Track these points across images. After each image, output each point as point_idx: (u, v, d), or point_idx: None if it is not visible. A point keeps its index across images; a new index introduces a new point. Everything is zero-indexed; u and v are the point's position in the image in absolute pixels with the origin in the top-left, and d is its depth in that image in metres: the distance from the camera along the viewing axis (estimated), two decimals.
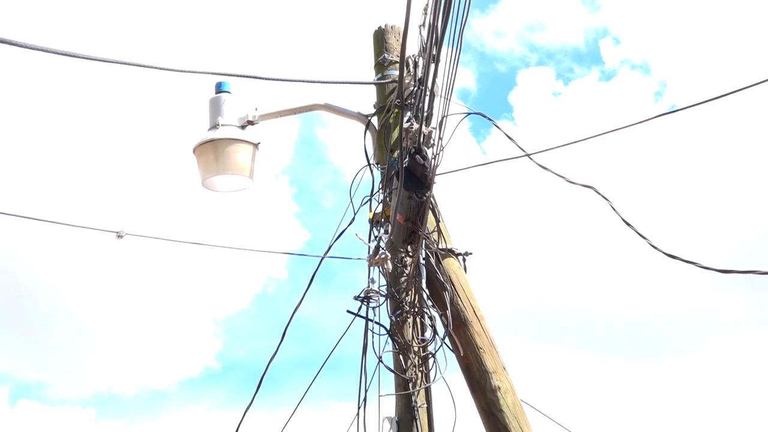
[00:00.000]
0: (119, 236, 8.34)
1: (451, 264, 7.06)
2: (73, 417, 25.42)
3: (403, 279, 7.03)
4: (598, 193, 6.83)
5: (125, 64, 6.28)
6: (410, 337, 7.02)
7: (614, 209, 6.70)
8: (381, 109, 7.36)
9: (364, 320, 7.10)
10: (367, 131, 7.37)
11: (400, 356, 6.99)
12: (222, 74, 7.26)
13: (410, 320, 7.04)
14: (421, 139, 6.51)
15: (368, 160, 7.29)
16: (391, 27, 7.49)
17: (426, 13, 6.19)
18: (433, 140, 6.59)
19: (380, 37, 7.51)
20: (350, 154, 7.44)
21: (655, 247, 6.46)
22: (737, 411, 24.46)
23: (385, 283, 7.11)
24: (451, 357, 6.94)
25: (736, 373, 25.12)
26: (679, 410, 24.15)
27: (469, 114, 7.18)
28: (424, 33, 6.30)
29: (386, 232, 7.09)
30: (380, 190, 7.25)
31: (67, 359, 26.46)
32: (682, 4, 26.26)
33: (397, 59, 7.17)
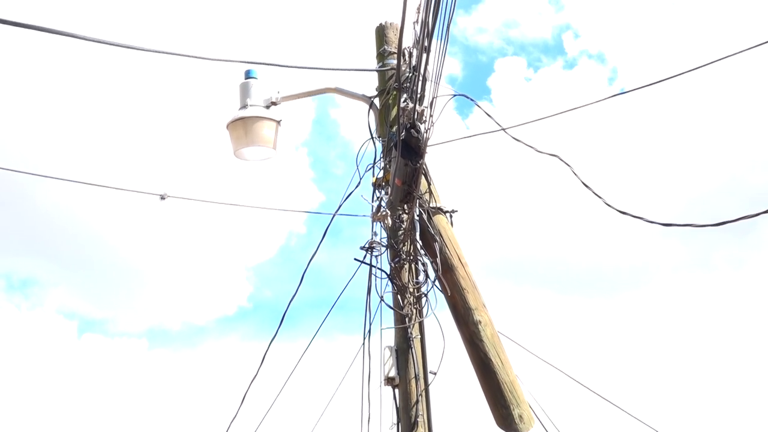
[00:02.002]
0: (162, 198, 8.34)
1: (440, 220, 7.12)
2: (129, 347, 25.73)
3: (400, 232, 7.09)
4: (562, 161, 6.84)
5: (176, 54, 6.42)
6: (407, 280, 7.07)
7: (575, 173, 6.71)
8: (382, 91, 7.39)
9: (368, 266, 7.16)
10: (371, 110, 7.40)
11: (398, 296, 7.04)
12: (250, 62, 7.35)
13: (407, 266, 7.10)
14: (415, 116, 6.56)
15: (371, 134, 7.32)
16: (390, 23, 7.50)
17: (419, 12, 6.21)
18: (425, 117, 6.64)
19: (381, 32, 7.53)
20: (357, 130, 7.47)
21: (609, 205, 6.48)
22: (672, 338, 25.29)
23: (385, 235, 7.17)
24: (440, 297, 7.03)
25: (671, 308, 25.90)
26: (625, 337, 24.98)
27: (455, 95, 7.19)
28: (418, 28, 6.33)
29: (386, 193, 7.17)
30: (381, 159, 7.29)
31: (124, 300, 26.68)
32: (631, 2, 26.24)
33: (395, 50, 7.20)
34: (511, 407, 6.75)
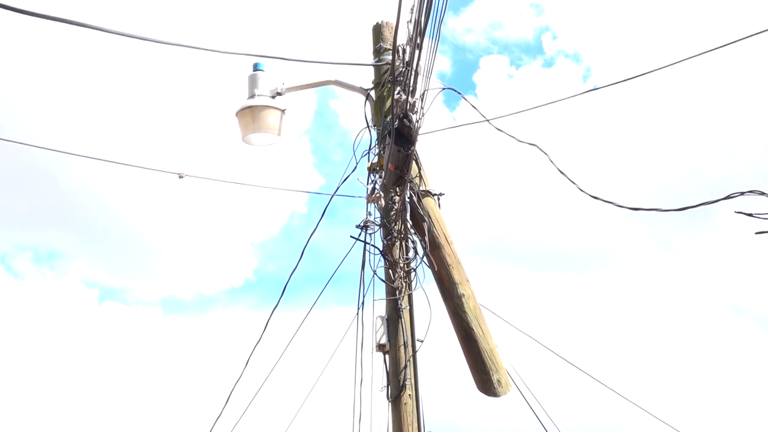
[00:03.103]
0: (180, 177, 8.30)
1: (428, 202, 7.13)
2: (144, 314, 25.88)
3: (392, 213, 7.10)
4: (540, 150, 6.89)
5: (193, 47, 6.51)
6: (397, 257, 7.07)
7: (552, 162, 6.76)
8: (377, 84, 7.37)
9: (363, 243, 7.15)
10: (367, 101, 7.39)
11: (390, 271, 7.05)
12: (258, 56, 7.32)
13: (398, 244, 7.10)
14: (408, 107, 6.58)
15: (367, 123, 7.32)
16: (386, 22, 7.47)
17: (413, 12, 6.19)
18: (417, 108, 6.64)
19: (377, 31, 7.51)
20: (354, 119, 7.45)
21: (582, 191, 6.54)
22: (637, 311, 25.77)
23: (379, 215, 7.17)
24: (428, 272, 7.05)
25: (637, 284, 26.49)
26: (594, 311, 25.44)
27: (444, 89, 7.18)
28: (411, 27, 6.31)
29: (380, 177, 7.15)
30: (376, 146, 7.28)
31: (141, 271, 26.76)
32: (605, 8, 26.28)
33: (390, 47, 7.19)
34: (491, 373, 6.78)
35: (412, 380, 6.91)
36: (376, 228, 7.17)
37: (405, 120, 6.51)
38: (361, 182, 7.26)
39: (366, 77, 7.47)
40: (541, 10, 27.54)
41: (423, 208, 7.07)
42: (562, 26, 27.48)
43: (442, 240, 7.02)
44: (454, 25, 26.16)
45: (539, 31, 27.66)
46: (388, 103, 7.14)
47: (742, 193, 5.03)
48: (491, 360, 6.81)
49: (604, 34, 26.76)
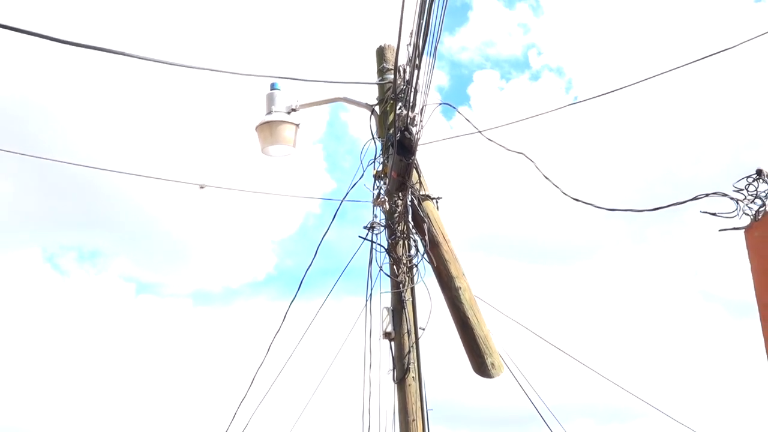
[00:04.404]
0: (201, 187, 8.28)
1: (428, 205, 7.17)
2: (177, 305, 26.21)
3: (396, 215, 7.14)
4: (527, 157, 6.93)
5: (216, 71, 6.55)
6: (401, 254, 7.11)
7: (537, 168, 6.80)
8: (381, 101, 7.43)
9: (370, 242, 7.18)
10: (372, 116, 7.42)
11: (394, 266, 7.11)
12: (275, 76, 7.41)
13: (401, 242, 7.13)
14: (408, 121, 6.62)
15: (373, 135, 7.35)
16: (388, 45, 7.52)
17: (411, 36, 6.20)
18: (417, 122, 6.67)
19: (380, 53, 7.56)
20: (362, 131, 7.47)
21: (565, 193, 6.58)
22: (615, 297, 26.15)
23: (384, 217, 7.18)
24: (428, 267, 7.10)
25: (615, 273, 27.07)
26: (578, 298, 25.74)
27: (440, 104, 7.22)
28: (411, 50, 6.32)
29: (385, 183, 7.16)
30: (381, 156, 7.31)
31: (174, 267, 27.10)
32: (585, 28, 26.35)
33: (392, 68, 7.22)
34: (485, 356, 6.81)
35: (415, 364, 6.94)
36: (382, 228, 7.23)
37: (406, 132, 6.55)
38: (367, 188, 7.32)
39: (371, 94, 7.56)
40: (528, 29, 27.71)
41: (423, 211, 7.11)
42: (547, 43, 27.67)
43: (440, 238, 7.05)
44: (450, 44, 26.34)
45: (526, 47, 27.83)
46: (391, 118, 7.23)
47: (707, 195, 5.04)
48: (485, 345, 6.83)
49: (584, 50, 26.99)
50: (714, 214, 4.74)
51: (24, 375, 23.91)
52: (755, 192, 4.52)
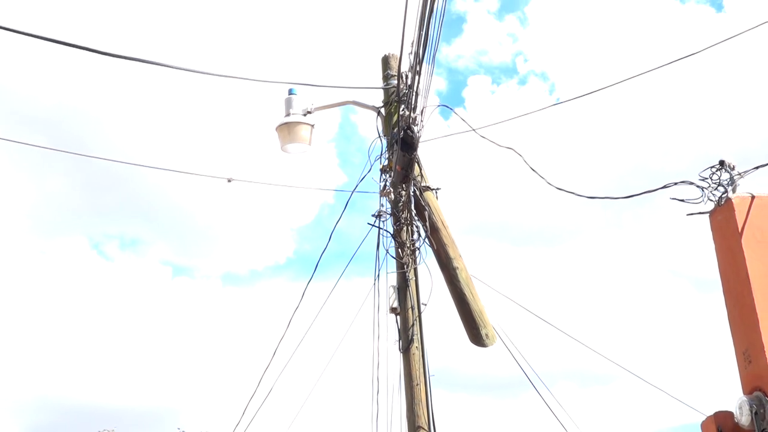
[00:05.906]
0: (229, 181, 8.25)
1: (428, 195, 7.22)
2: (207, 285, 26.59)
3: (400, 204, 7.15)
4: (516, 152, 6.90)
5: (242, 78, 6.66)
6: (405, 238, 7.11)
7: (525, 161, 6.81)
8: (386, 103, 7.46)
9: (377, 228, 7.18)
10: (378, 116, 7.41)
11: (399, 249, 7.14)
12: (293, 83, 7.54)
13: (405, 228, 7.12)
14: (410, 121, 6.65)
15: (379, 134, 7.39)
16: (392, 54, 7.53)
17: (413, 46, 6.20)
18: (418, 122, 6.69)
19: (385, 61, 7.57)
20: (369, 130, 7.46)
21: (549, 183, 6.58)
22: (595, 275, 26.57)
23: (389, 206, 7.18)
24: (429, 250, 7.14)
25: (595, 254, 27.39)
26: (562, 276, 26.09)
27: (439, 106, 7.23)
28: (412, 58, 6.31)
29: (390, 176, 7.16)
30: (386, 152, 7.29)
31: (205, 252, 27.72)
32: (567, 37, 26.31)
33: (396, 74, 7.23)
34: (480, 328, 6.85)
35: (419, 335, 6.97)
36: (388, 216, 7.31)
37: (409, 131, 6.62)
38: (375, 180, 7.41)
39: (377, 98, 7.62)
40: (516, 38, 27.85)
41: (424, 200, 7.17)
42: (533, 51, 27.68)
43: (439, 225, 7.12)
44: (447, 52, 26.58)
45: (515, 55, 27.83)
46: (395, 118, 7.28)
47: (676, 183, 5.02)
48: (480, 318, 6.87)
49: (566, 57, 27.02)
50: (682, 201, 4.73)
51: (76, 349, 24.18)
52: (718, 180, 4.51)
